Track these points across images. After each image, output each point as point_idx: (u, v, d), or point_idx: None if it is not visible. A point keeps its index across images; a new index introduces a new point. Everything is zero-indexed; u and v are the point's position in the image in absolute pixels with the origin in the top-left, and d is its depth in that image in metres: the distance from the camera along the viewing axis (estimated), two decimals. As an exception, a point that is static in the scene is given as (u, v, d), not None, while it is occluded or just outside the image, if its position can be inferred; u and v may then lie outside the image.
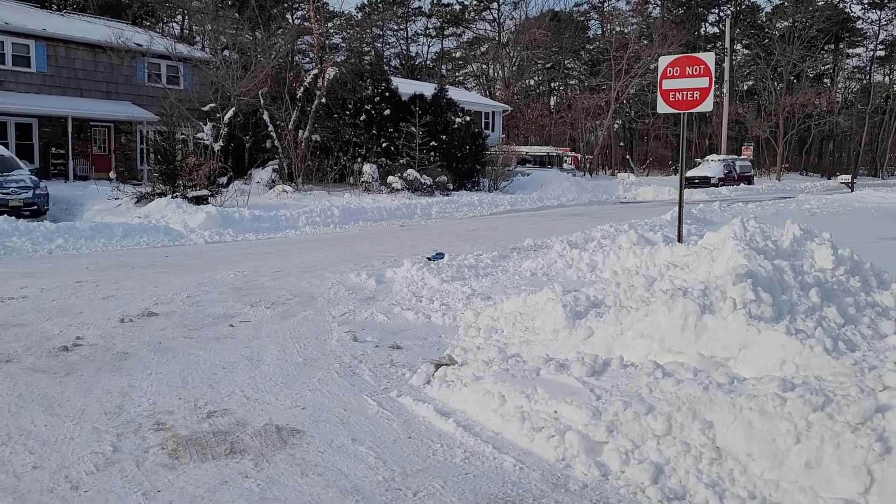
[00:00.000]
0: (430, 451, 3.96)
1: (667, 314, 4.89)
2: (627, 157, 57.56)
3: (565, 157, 40.07)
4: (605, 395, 4.16)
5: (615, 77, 46.54)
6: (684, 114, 10.30)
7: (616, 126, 56.64)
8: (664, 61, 10.16)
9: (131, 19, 37.45)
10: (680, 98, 9.93)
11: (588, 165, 46.71)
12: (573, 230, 14.19)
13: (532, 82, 64.29)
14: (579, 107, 51.28)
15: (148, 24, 41.73)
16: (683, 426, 3.74)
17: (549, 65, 61.56)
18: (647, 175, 49.51)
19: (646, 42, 47.64)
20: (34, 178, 16.85)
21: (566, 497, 3.45)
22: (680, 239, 10.40)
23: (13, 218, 13.56)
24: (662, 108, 10.24)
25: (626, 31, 55.40)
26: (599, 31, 63.80)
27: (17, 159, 17.72)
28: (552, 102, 63.58)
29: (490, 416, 4.32)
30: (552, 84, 65.45)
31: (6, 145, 21.20)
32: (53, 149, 24.06)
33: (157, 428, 4.17)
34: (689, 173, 35.40)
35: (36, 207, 15.76)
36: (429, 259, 10.42)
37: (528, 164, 36.55)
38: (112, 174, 23.20)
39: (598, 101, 49.98)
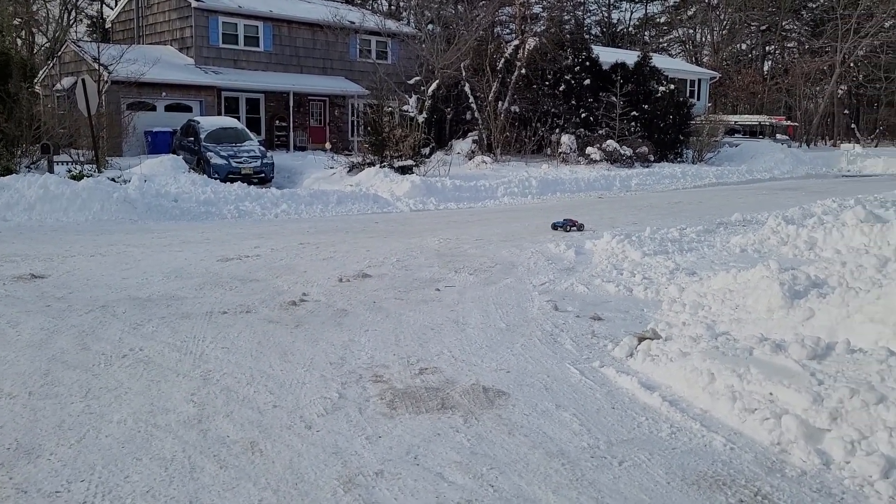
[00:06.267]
0: (634, 422, 3.95)
1: (904, 298, 4.46)
2: (853, 125, 51.95)
3: (779, 127, 37.05)
4: (828, 380, 3.90)
5: (841, 38, 42.02)
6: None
7: (840, 92, 51.23)
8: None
9: (344, -2, 39.64)
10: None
11: (806, 136, 42.89)
12: (788, 205, 13.22)
13: (744, 46, 59.80)
14: (798, 72, 46.96)
15: (359, 2, 43.99)
16: (922, 420, 3.42)
17: (763, 27, 56.89)
18: (876, 146, 44.44)
19: (881, -3, 42.41)
20: (262, 148, 18.57)
21: (783, 482, 3.30)
22: (918, 217, 9.33)
23: (245, 184, 15.12)
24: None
25: (857, -15, 49.73)
26: (825, -13, 57.84)
27: (248, 131, 19.61)
28: (766, 68, 58.82)
29: (697, 394, 4.21)
30: (766, 48, 60.44)
31: (238, 118, 23.48)
32: (277, 121, 26.30)
33: (375, 380, 4.52)
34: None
35: (263, 175, 17.38)
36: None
37: (736, 135, 34.22)
38: (327, 145, 25.00)
39: (819, 65, 45.53)
